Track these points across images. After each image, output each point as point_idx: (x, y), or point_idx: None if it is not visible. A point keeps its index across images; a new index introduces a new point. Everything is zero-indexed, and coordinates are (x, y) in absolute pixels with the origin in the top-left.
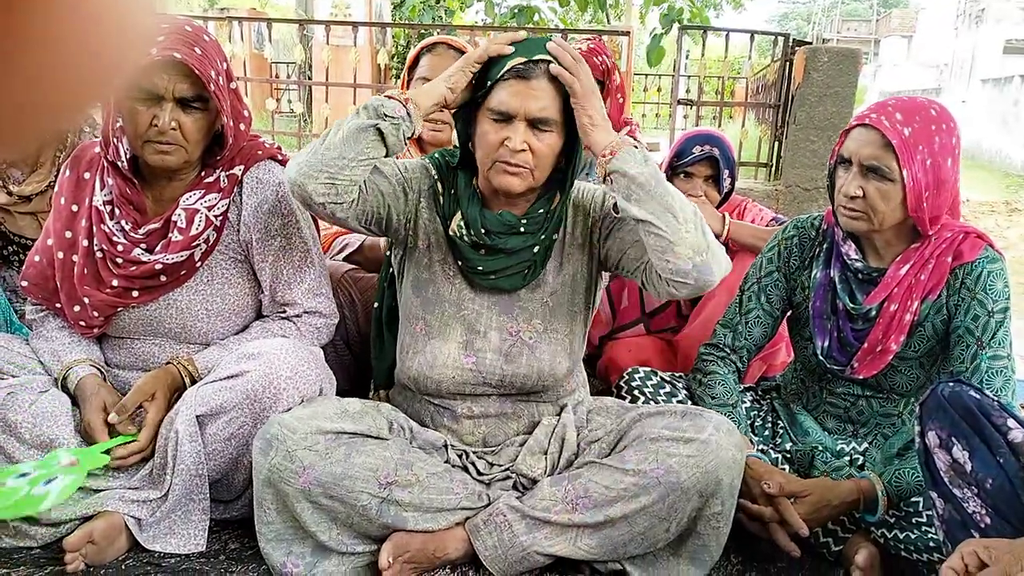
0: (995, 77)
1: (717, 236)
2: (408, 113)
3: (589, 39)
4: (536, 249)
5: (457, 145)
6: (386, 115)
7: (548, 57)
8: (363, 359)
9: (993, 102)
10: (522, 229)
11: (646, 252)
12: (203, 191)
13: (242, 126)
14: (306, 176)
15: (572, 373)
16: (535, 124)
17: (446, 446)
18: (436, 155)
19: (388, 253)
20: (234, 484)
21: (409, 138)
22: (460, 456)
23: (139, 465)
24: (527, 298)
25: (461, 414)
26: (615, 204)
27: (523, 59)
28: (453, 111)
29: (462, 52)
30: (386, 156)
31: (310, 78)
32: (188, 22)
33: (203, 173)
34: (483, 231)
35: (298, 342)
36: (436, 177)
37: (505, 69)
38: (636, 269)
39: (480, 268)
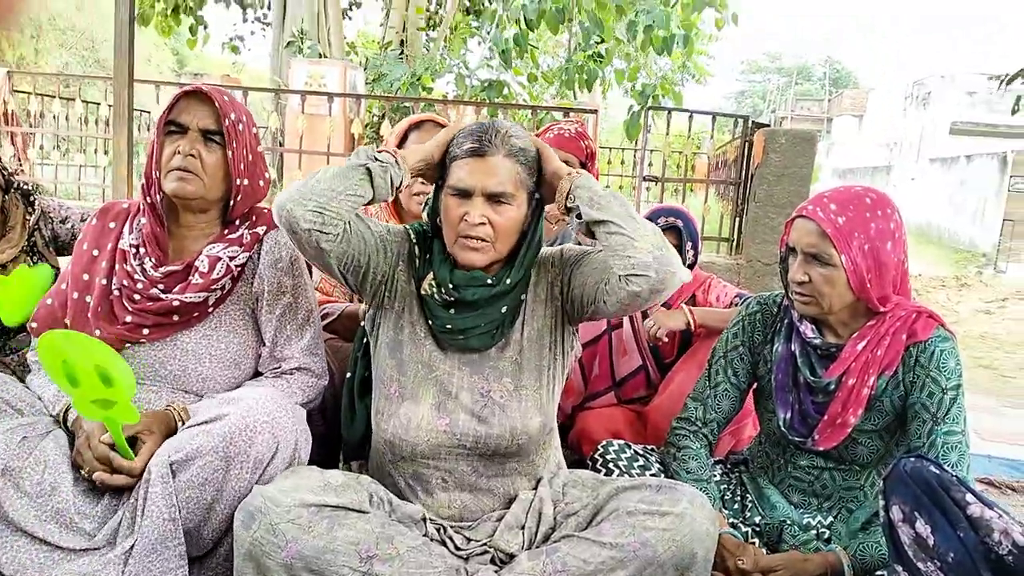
0: (942, 157)
1: (686, 329)
2: (397, 162)
3: (575, 122)
4: (504, 309)
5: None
6: (376, 158)
7: (504, 150)
8: (334, 429)
9: (941, 180)
10: (489, 282)
11: (604, 271)
12: (226, 244)
13: (260, 182)
14: (295, 202)
15: (545, 431)
16: (493, 198)
17: (424, 520)
18: (417, 224)
19: (362, 323)
20: (204, 537)
21: (397, 188)
22: (438, 531)
23: (102, 523)
24: (496, 357)
25: (436, 485)
26: (578, 213)
27: (482, 149)
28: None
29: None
30: (372, 199)
31: (282, 144)
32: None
33: (227, 230)
34: (452, 287)
35: (279, 393)
36: (414, 242)
37: (462, 150)
38: (597, 292)
39: (449, 327)
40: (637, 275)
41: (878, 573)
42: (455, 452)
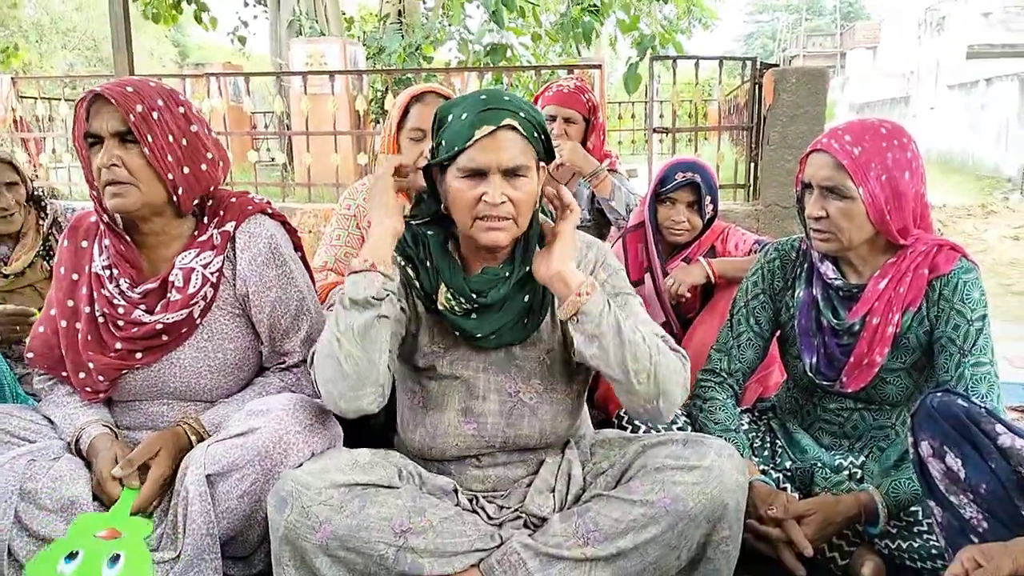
0: (961, 82)
1: (707, 281)
2: (383, 274)
3: (574, 77)
4: (527, 298)
5: (422, 199)
6: (374, 298)
7: (512, 122)
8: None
9: (961, 107)
10: (507, 273)
11: None
12: (197, 250)
13: (203, 166)
14: (350, 400)
15: (575, 428)
16: (509, 174)
17: (455, 491)
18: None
19: None
20: (249, 540)
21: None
22: (470, 501)
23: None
24: (523, 356)
25: (467, 466)
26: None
27: (489, 127)
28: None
29: (449, 99)
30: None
31: (289, 127)
32: (132, 78)
33: (195, 232)
34: (472, 295)
35: (303, 397)
36: (403, 265)
37: (464, 127)
38: None
39: (479, 334)
40: (629, 408)
41: (912, 508)
42: (484, 450)
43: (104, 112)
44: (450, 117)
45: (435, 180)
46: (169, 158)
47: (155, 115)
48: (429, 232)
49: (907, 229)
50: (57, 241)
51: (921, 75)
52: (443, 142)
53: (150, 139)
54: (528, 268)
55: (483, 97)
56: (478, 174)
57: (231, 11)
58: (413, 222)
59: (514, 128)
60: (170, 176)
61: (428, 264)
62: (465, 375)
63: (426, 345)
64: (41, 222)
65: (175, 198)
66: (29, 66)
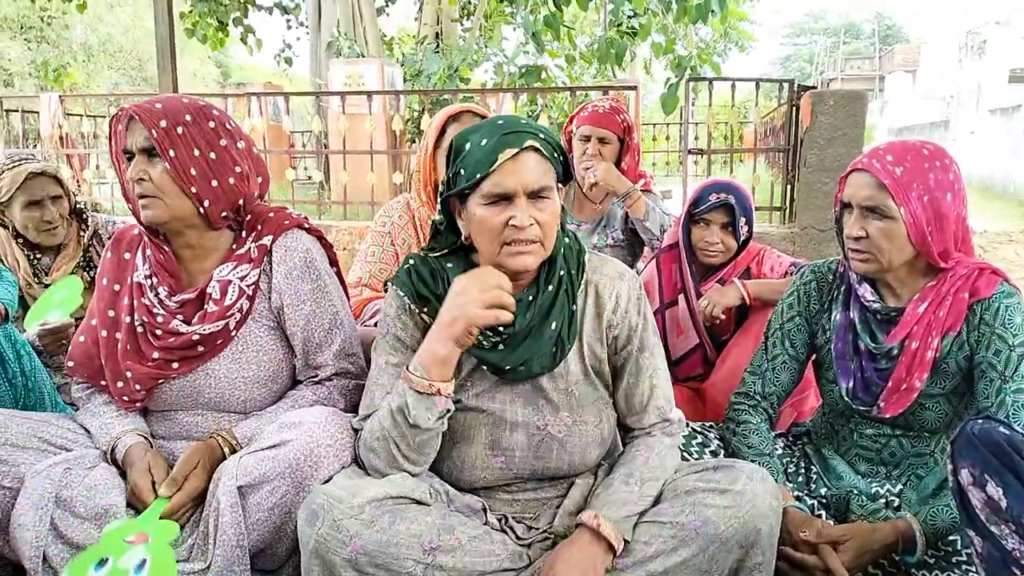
0: (1003, 107)
1: (742, 303)
2: (446, 397)
3: (610, 98)
4: (554, 325)
5: (439, 231)
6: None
7: (534, 143)
8: None
9: (1002, 131)
10: (531, 298)
11: (627, 400)
12: (235, 263)
13: (231, 180)
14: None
15: (605, 455)
16: (534, 196)
17: (484, 509)
18: (403, 288)
19: None
20: (278, 554)
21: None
22: (499, 520)
23: (183, 537)
24: (551, 388)
25: (497, 490)
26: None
27: (513, 150)
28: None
29: (485, 118)
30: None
31: (326, 146)
32: (164, 95)
33: (234, 246)
34: (500, 326)
35: (335, 411)
36: (417, 310)
37: (496, 164)
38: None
39: (507, 366)
40: None
41: (950, 538)
42: (512, 480)
43: (134, 128)
44: (468, 145)
45: (452, 211)
46: (192, 171)
47: (179, 130)
48: (449, 265)
49: (948, 252)
50: (97, 253)
51: (961, 99)
52: (462, 171)
53: (172, 154)
54: (552, 290)
55: (500, 123)
56: (503, 199)
57: (274, 33)
58: (432, 255)
59: (536, 149)
60: (193, 189)
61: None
62: (492, 408)
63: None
64: (82, 234)
65: (202, 211)
66: (76, 85)
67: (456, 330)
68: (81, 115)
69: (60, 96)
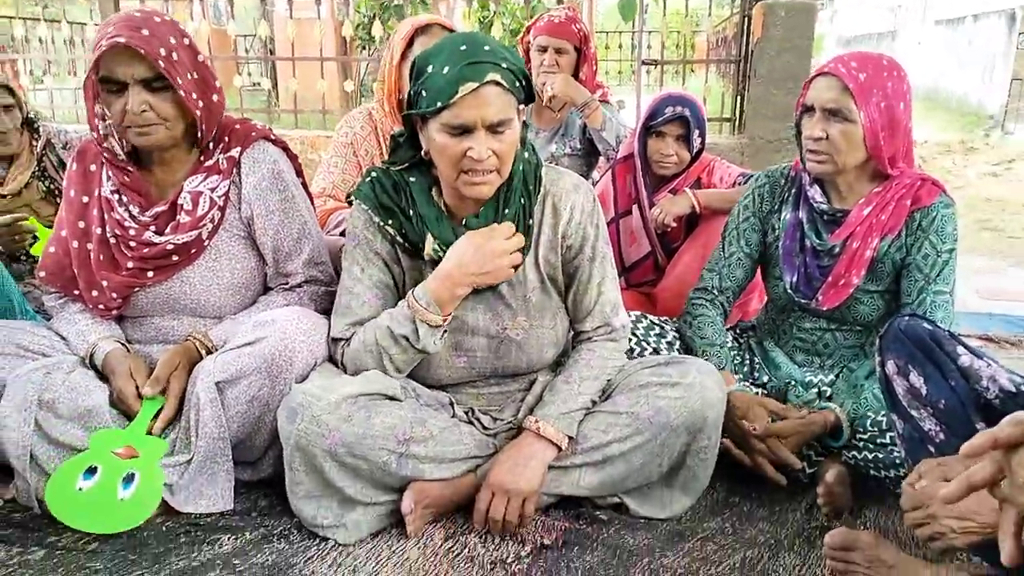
0: (948, 18)
1: (692, 212)
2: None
3: (565, 7)
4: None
5: (399, 144)
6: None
7: (496, 76)
8: None
9: (948, 43)
10: (491, 216)
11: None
12: (204, 174)
13: (215, 97)
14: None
15: (560, 353)
16: (493, 127)
17: (451, 403)
18: (367, 202)
19: None
20: (256, 445)
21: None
22: (466, 413)
23: (166, 433)
24: (509, 295)
25: (463, 386)
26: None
27: (473, 84)
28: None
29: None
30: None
31: (273, 52)
32: (138, 9)
33: (202, 157)
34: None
35: (306, 310)
36: (382, 223)
37: (457, 96)
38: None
39: None
40: None
41: (877, 420)
42: (476, 377)
43: (128, 60)
44: (430, 68)
45: (415, 125)
46: (193, 95)
47: (175, 55)
48: (411, 179)
49: (895, 159)
50: (51, 162)
51: (908, 9)
52: (423, 92)
53: (179, 81)
54: (510, 211)
55: (463, 48)
56: (463, 130)
57: None
58: (393, 167)
59: (497, 83)
60: (198, 113)
61: (412, 212)
62: (456, 313)
63: (414, 283)
64: (35, 143)
65: (200, 131)
66: None
67: (484, 279)
68: (12, 18)
69: None
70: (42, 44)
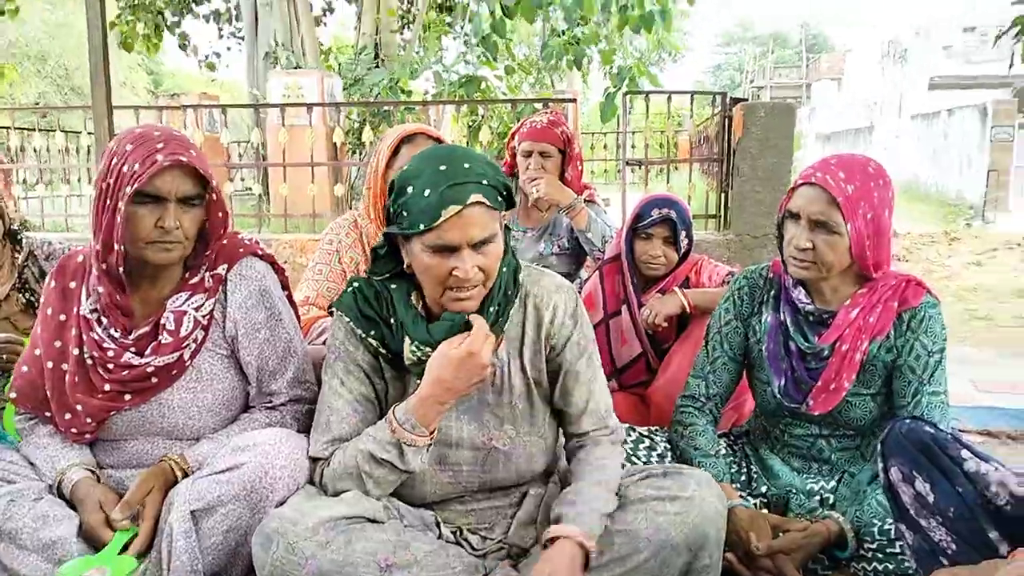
0: (924, 112)
1: (682, 312)
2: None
3: (548, 111)
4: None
5: (379, 257)
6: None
7: (478, 196)
8: None
9: (924, 136)
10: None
11: (562, 423)
12: (189, 292)
13: (220, 213)
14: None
15: (552, 462)
16: (479, 245)
17: (438, 523)
18: (348, 313)
19: None
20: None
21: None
22: (453, 533)
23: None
24: (496, 403)
25: (450, 503)
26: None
27: (456, 207)
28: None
29: (440, 141)
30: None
31: (264, 158)
32: (154, 127)
33: (187, 275)
34: (437, 342)
35: (289, 432)
36: (364, 335)
37: (440, 220)
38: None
39: None
40: None
41: (885, 528)
42: (462, 493)
43: (175, 176)
44: (410, 189)
45: (395, 240)
46: (219, 215)
47: (214, 182)
48: (392, 286)
49: (880, 264)
50: (32, 274)
51: (885, 106)
52: (405, 212)
53: (214, 198)
54: (494, 314)
55: (443, 169)
56: (447, 250)
57: (206, 40)
58: (375, 278)
59: (480, 202)
60: (222, 231)
61: (392, 321)
62: (438, 426)
63: (396, 395)
64: (16, 255)
65: (209, 252)
66: (0, 96)
67: (471, 390)
68: (8, 128)
69: None
70: (36, 153)
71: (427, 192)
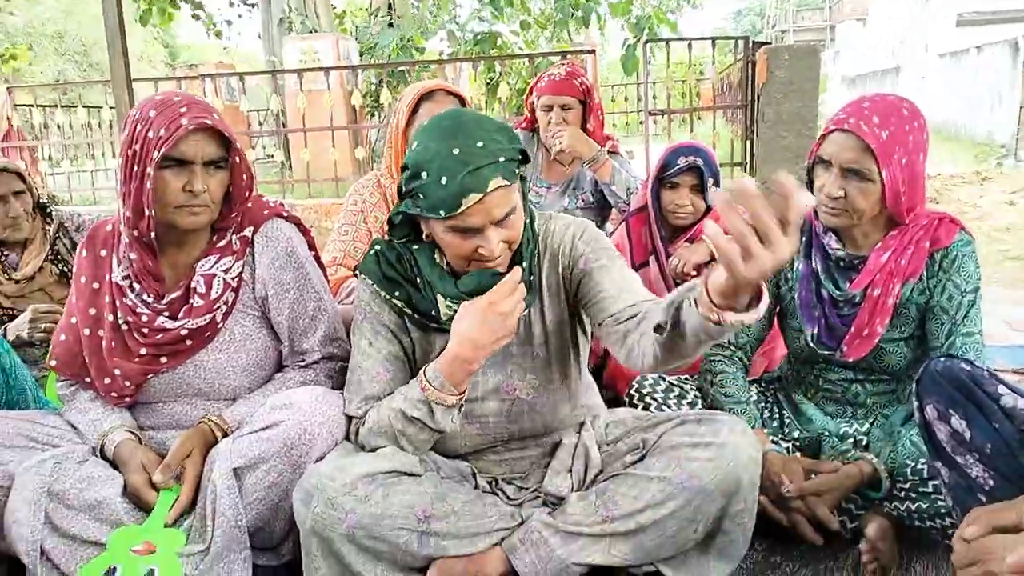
0: (951, 51)
1: (710, 260)
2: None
3: (565, 63)
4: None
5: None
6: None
7: (498, 182)
8: None
9: (952, 76)
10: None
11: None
12: (217, 255)
13: (244, 176)
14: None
15: (577, 410)
16: (502, 221)
17: (474, 474)
18: (371, 276)
19: None
20: (276, 531)
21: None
22: (489, 483)
23: (181, 520)
24: (519, 353)
25: (484, 453)
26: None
27: (477, 195)
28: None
29: (458, 96)
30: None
31: (284, 124)
32: (174, 92)
33: (214, 238)
34: (468, 295)
35: (325, 390)
36: (388, 296)
37: (461, 209)
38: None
39: None
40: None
41: (918, 468)
42: (492, 444)
43: (200, 140)
44: (425, 175)
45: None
46: (244, 177)
47: (237, 145)
48: (415, 247)
49: (913, 208)
50: (64, 245)
51: (911, 45)
52: (421, 196)
53: (238, 161)
54: (519, 264)
55: (457, 152)
56: (471, 231)
57: (216, 8)
58: (396, 241)
59: (497, 179)
60: (247, 193)
61: (418, 280)
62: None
63: (422, 351)
64: (47, 227)
65: (236, 215)
66: (19, 72)
67: (500, 345)
68: (31, 106)
69: (8, 88)
70: (60, 129)
71: (444, 180)
